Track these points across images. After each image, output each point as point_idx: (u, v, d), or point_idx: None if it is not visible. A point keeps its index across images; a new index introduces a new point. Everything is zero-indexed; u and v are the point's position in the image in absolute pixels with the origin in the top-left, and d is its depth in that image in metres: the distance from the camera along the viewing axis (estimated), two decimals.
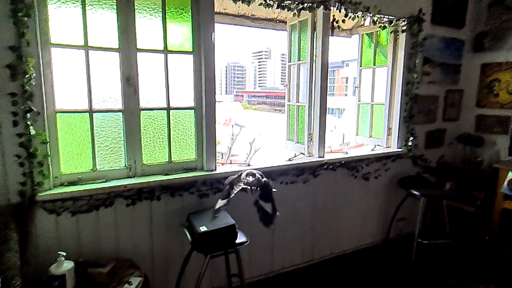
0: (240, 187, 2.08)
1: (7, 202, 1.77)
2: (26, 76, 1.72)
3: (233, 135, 12.15)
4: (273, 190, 2.16)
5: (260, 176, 2.16)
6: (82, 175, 2.02)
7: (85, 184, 2.00)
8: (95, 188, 1.96)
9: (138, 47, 2.09)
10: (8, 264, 1.55)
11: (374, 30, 3.33)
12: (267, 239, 2.70)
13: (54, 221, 1.91)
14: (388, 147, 3.36)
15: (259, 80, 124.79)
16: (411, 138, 3.30)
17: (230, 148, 11.26)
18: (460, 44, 3.61)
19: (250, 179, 2.09)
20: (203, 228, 1.89)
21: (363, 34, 3.50)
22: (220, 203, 2.09)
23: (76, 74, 1.97)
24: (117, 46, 2.04)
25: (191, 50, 2.27)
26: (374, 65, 3.43)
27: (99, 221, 2.03)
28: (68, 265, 1.70)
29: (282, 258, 2.82)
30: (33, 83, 1.75)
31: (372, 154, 3.14)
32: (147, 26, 2.13)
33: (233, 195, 2.07)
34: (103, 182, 2.05)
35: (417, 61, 3.22)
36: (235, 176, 2.19)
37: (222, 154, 11.37)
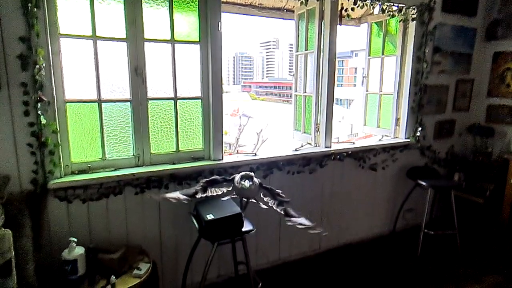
0: (222, 192, 1.98)
1: (20, 190, 1.82)
2: (37, 66, 1.74)
3: (241, 126, 12.16)
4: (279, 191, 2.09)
5: (258, 181, 2.00)
6: (91, 164, 2.06)
7: (95, 172, 2.04)
8: (104, 177, 2.01)
9: (145, 37, 2.10)
10: (22, 249, 1.61)
11: (383, 18, 3.28)
12: (274, 228, 2.73)
13: (66, 208, 1.96)
14: (396, 138, 3.34)
15: (267, 71, 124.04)
16: (419, 129, 3.27)
17: (238, 139, 11.28)
18: (472, 32, 3.53)
19: (247, 183, 1.89)
20: (210, 216, 1.91)
21: (372, 23, 3.44)
22: (174, 194, 1.94)
23: (85, 64, 1.99)
24: (124, 36, 2.05)
25: (198, 40, 2.27)
26: (383, 54, 3.38)
27: (109, 209, 2.08)
28: (79, 250, 1.75)
29: (288, 247, 2.85)
30: (43, 73, 1.78)
31: (379, 145, 3.12)
32: (154, 16, 2.13)
33: (200, 195, 1.96)
34: (112, 170, 2.09)
35: (427, 50, 3.16)
36: (229, 177, 2.08)
37: (230, 145, 11.40)
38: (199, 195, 1.96)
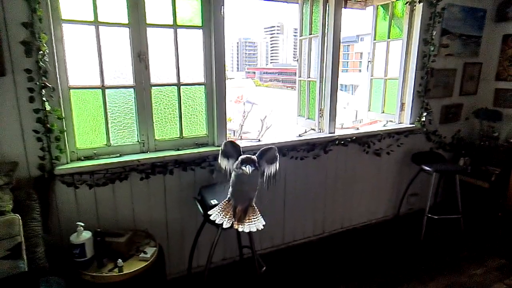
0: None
1: (28, 175, 1.85)
2: (40, 52, 1.74)
3: (245, 112, 12.13)
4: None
5: (259, 165, 1.79)
6: (97, 150, 2.08)
7: (100, 158, 2.06)
8: (110, 162, 2.03)
9: (147, 22, 2.08)
10: (32, 233, 1.64)
11: (390, 0, 3.20)
12: (278, 212, 2.76)
13: (73, 193, 1.99)
14: (401, 123, 3.31)
15: (271, 57, 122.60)
16: (425, 114, 3.24)
17: (242, 126, 11.26)
18: (481, 13, 3.44)
19: (248, 169, 1.66)
20: (214, 201, 1.94)
21: (377, 6, 3.37)
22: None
23: (88, 50, 1.99)
24: (126, 22, 2.03)
25: (200, 24, 2.24)
26: (389, 38, 3.32)
27: (115, 194, 2.11)
28: (86, 234, 1.78)
29: (293, 231, 2.88)
30: (47, 60, 1.78)
31: (383, 130, 3.11)
32: (156, 1, 2.11)
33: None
34: (117, 156, 2.11)
35: (434, 33, 3.10)
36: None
37: (234, 132, 11.40)
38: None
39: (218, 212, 1.75)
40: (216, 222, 1.72)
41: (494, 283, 2.48)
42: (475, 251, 2.90)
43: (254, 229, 1.68)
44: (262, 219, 1.74)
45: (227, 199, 1.83)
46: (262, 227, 1.72)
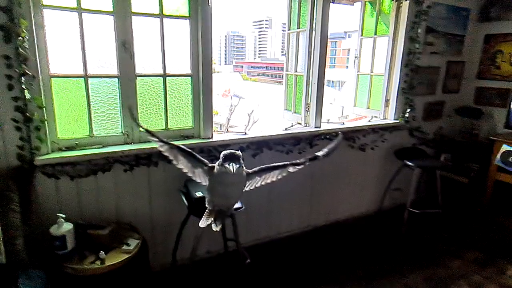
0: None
1: (7, 166, 1.80)
2: (19, 38, 1.68)
3: (232, 106, 12.08)
4: None
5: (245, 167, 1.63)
6: (79, 141, 2.03)
7: (83, 149, 2.02)
8: (93, 153, 1.98)
9: (133, 10, 2.03)
10: (11, 224, 1.60)
11: None
12: (264, 206, 2.77)
13: (54, 184, 1.94)
14: (385, 119, 3.36)
15: (259, 51, 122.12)
16: (408, 110, 3.29)
17: (229, 119, 11.22)
18: (466, 13, 3.51)
19: (233, 167, 1.45)
20: (198, 194, 1.93)
21: (365, 2, 3.39)
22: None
23: (70, 38, 1.93)
24: (111, 9, 1.98)
25: (187, 14, 2.21)
26: (375, 34, 3.35)
27: (98, 186, 2.07)
28: (67, 226, 1.74)
29: (278, 225, 2.90)
30: (27, 46, 1.72)
31: (368, 125, 3.15)
32: None
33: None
34: (100, 147, 2.06)
35: (420, 31, 3.14)
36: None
37: (221, 125, 11.35)
38: None
39: (205, 220, 1.69)
40: (204, 226, 1.68)
41: (471, 275, 2.57)
42: (453, 244, 2.99)
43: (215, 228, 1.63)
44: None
45: (208, 210, 1.71)
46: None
